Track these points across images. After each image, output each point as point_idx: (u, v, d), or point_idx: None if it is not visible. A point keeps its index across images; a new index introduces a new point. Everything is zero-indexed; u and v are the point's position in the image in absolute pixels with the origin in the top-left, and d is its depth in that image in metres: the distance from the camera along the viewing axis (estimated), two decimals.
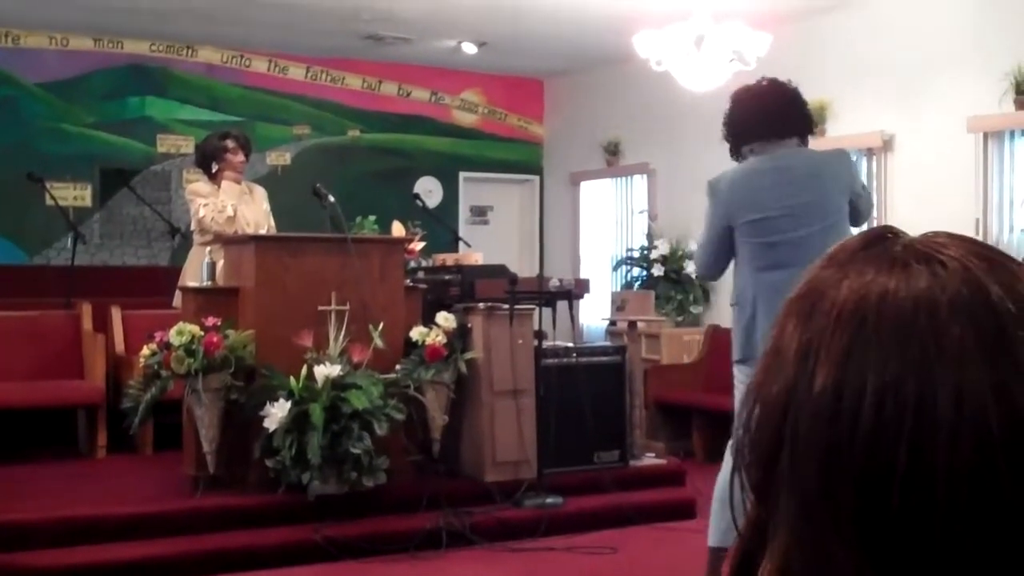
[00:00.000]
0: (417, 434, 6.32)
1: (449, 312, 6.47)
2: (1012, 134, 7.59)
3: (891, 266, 0.75)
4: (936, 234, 0.78)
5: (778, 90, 4.78)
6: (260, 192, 7.28)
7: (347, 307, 6.15)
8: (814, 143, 8.64)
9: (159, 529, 5.65)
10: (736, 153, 4.81)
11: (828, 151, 4.86)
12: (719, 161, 9.64)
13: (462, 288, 6.74)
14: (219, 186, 7.01)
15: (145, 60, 10.19)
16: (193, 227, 7.18)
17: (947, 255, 0.75)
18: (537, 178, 11.83)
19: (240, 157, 7.07)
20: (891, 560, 0.70)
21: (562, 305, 6.96)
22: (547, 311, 6.75)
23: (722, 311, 9.53)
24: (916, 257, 0.75)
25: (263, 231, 6.95)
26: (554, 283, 6.72)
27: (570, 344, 7.20)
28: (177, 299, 6.82)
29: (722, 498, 4.73)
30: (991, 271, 0.74)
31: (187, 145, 10.19)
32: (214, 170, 7.05)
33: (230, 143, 7.05)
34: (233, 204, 6.92)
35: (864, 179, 8.36)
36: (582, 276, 9.45)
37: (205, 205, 6.88)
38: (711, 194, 4.77)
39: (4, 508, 5.57)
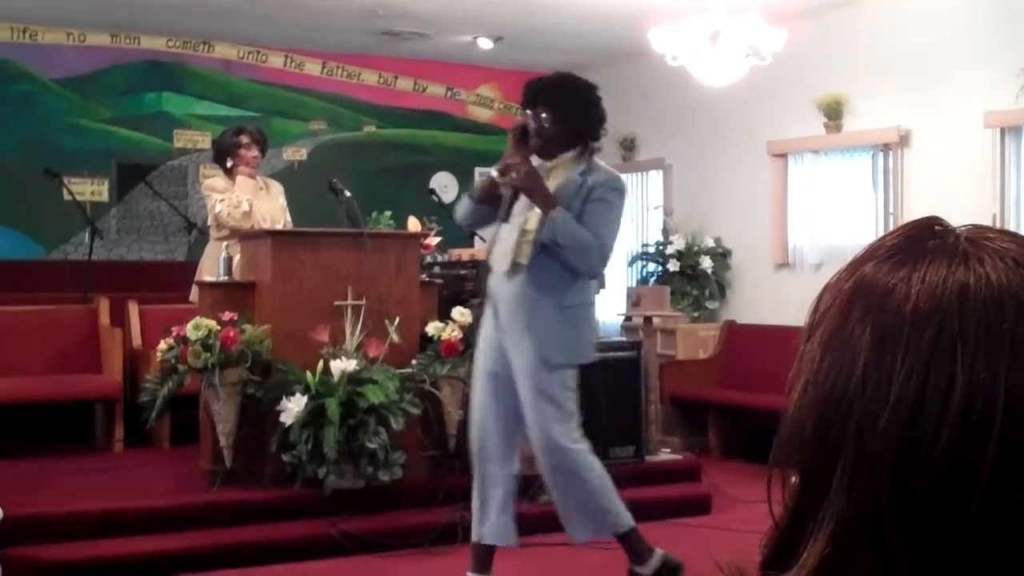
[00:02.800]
0: (433, 429, 6.33)
1: (465, 307, 6.48)
2: None
3: (963, 260, 0.75)
4: (978, 227, 0.78)
5: None
6: (276, 187, 7.31)
7: (363, 302, 6.16)
8: (837, 138, 8.63)
9: (176, 523, 5.68)
10: (583, 147, 4.80)
11: None
12: (735, 156, 9.70)
13: (478, 283, 6.74)
14: (235, 181, 7.04)
15: (162, 56, 10.22)
16: (209, 222, 7.21)
17: (1010, 248, 0.75)
18: None
19: (254, 152, 7.09)
20: (954, 560, 0.70)
21: None
22: None
23: (739, 307, 9.53)
24: (983, 251, 0.75)
25: (279, 226, 6.97)
26: None
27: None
28: (194, 294, 6.84)
29: (504, 497, 4.85)
30: None
31: (204, 140, 10.22)
32: (229, 165, 7.09)
33: (244, 138, 7.08)
34: (248, 199, 6.95)
35: (870, 175, 8.36)
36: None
37: (221, 200, 6.92)
38: (623, 194, 4.92)
39: (22, 502, 5.60)
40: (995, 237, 0.76)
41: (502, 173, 4.65)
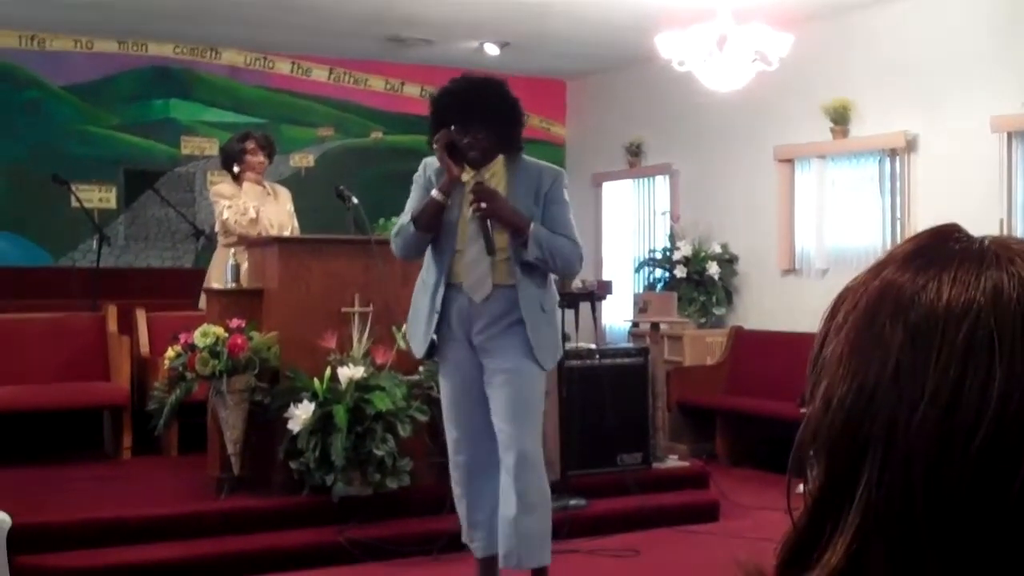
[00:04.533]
0: (440, 436, 6.32)
1: None
2: None
3: (993, 260, 0.76)
4: (999, 236, 0.80)
5: None
6: (284, 193, 7.33)
7: (370, 309, 6.17)
8: (844, 143, 8.62)
9: (184, 530, 5.68)
10: (516, 150, 4.80)
11: None
12: (742, 162, 9.70)
13: None
14: (242, 187, 7.06)
15: (169, 62, 10.24)
16: (217, 228, 7.23)
17: None
18: None
19: (260, 158, 7.11)
20: (985, 553, 0.70)
21: (585, 306, 6.96)
22: (570, 312, 6.74)
23: (746, 313, 9.53)
24: (1012, 253, 0.76)
25: (287, 232, 6.98)
26: (577, 284, 6.72)
27: (593, 346, 7.20)
28: (202, 301, 6.85)
29: (495, 507, 4.80)
30: None
31: (211, 147, 10.24)
32: (236, 171, 7.12)
33: (250, 144, 7.11)
34: (255, 206, 6.97)
35: (877, 180, 8.35)
36: (604, 277, 9.45)
37: (228, 207, 6.94)
38: (566, 181, 4.95)
39: (30, 509, 5.60)
40: (1018, 243, 0.78)
41: (473, 203, 4.58)
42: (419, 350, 4.88)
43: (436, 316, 4.72)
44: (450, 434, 4.88)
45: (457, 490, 4.91)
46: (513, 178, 4.74)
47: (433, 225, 4.69)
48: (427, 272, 4.82)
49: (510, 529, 4.72)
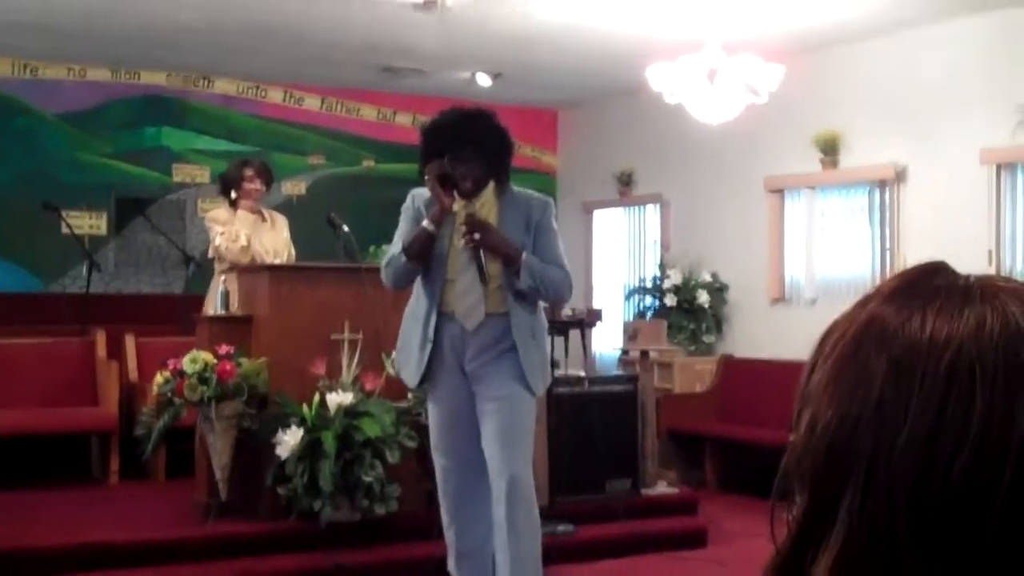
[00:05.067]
0: (429, 462, 6.31)
1: None
2: None
3: (978, 295, 0.77)
4: (985, 275, 0.81)
5: None
6: (281, 220, 7.31)
7: (360, 336, 6.17)
8: (833, 174, 8.65)
9: (171, 555, 5.67)
10: (503, 179, 4.82)
11: None
12: (732, 192, 9.73)
13: None
14: (236, 214, 7.07)
15: (162, 91, 10.27)
16: (211, 254, 7.22)
17: (1021, 291, 0.78)
18: None
19: (256, 185, 7.13)
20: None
21: (575, 334, 6.97)
22: (560, 339, 6.75)
23: (735, 341, 9.54)
24: (996, 291, 0.78)
25: (281, 259, 6.98)
26: (567, 312, 6.73)
27: (582, 373, 7.21)
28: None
29: (486, 534, 4.79)
30: None
31: (202, 175, 10.27)
32: (234, 197, 7.13)
33: (248, 171, 7.13)
34: (247, 234, 6.95)
35: (866, 211, 8.38)
36: (595, 305, 9.46)
37: (221, 234, 6.95)
38: (554, 209, 5.01)
39: (18, 534, 5.59)
40: (1004, 282, 0.79)
41: (466, 233, 4.60)
42: (412, 380, 4.87)
43: (429, 345, 4.72)
44: (438, 462, 4.85)
45: (446, 519, 4.89)
46: (503, 208, 4.77)
47: (424, 255, 4.70)
48: (417, 302, 4.82)
49: (502, 557, 4.71)
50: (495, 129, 4.81)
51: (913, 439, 0.73)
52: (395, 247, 4.81)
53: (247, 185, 7.09)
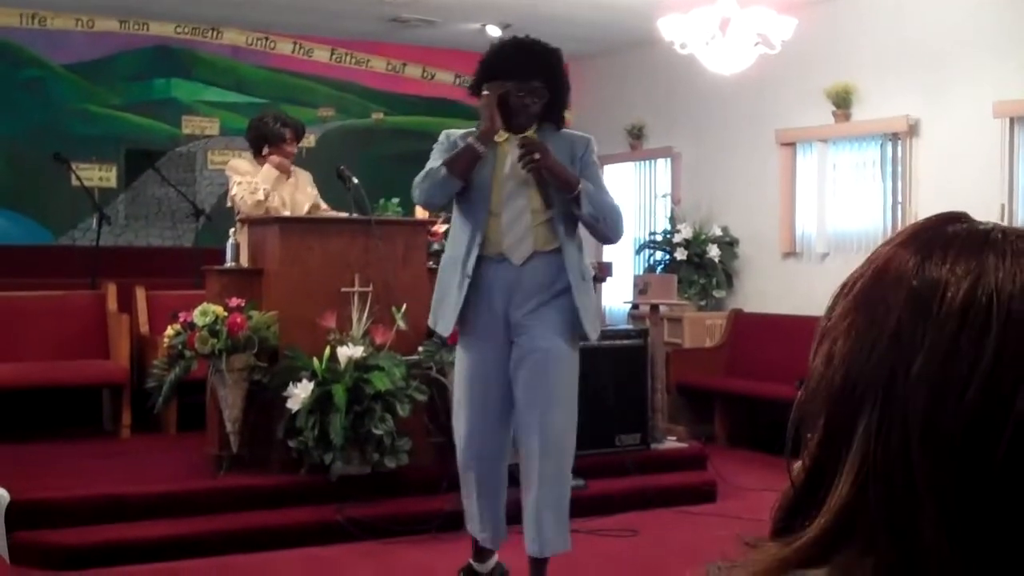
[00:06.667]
0: (439, 416, 6.34)
1: None
2: None
3: (999, 236, 0.80)
4: (999, 224, 0.83)
5: None
6: (304, 176, 7.05)
7: (370, 289, 6.17)
8: (845, 127, 8.61)
9: (182, 508, 5.70)
10: (558, 125, 4.62)
11: None
12: (743, 145, 9.68)
13: None
14: (263, 167, 6.83)
15: (170, 42, 10.22)
16: (228, 203, 7.01)
17: None
18: None
19: (293, 149, 6.90)
20: (978, 502, 0.73)
21: None
22: None
23: (746, 296, 9.53)
24: (1014, 234, 0.80)
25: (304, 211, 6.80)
26: None
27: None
28: None
29: (503, 495, 4.69)
30: None
31: (212, 127, 10.24)
32: (265, 152, 6.86)
33: (288, 133, 6.85)
34: (266, 188, 6.75)
35: (878, 164, 8.33)
36: (605, 259, 9.44)
37: (239, 184, 6.74)
38: None
39: (29, 486, 5.62)
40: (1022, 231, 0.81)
41: (524, 156, 4.40)
42: (447, 325, 4.55)
43: (467, 282, 4.43)
44: (466, 419, 4.55)
45: (470, 489, 4.66)
46: (548, 144, 4.52)
47: (466, 173, 4.43)
48: (454, 245, 4.56)
49: (540, 516, 4.53)
50: (564, 71, 4.63)
51: (927, 367, 0.75)
52: (432, 163, 4.53)
53: (286, 148, 6.83)
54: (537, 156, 4.40)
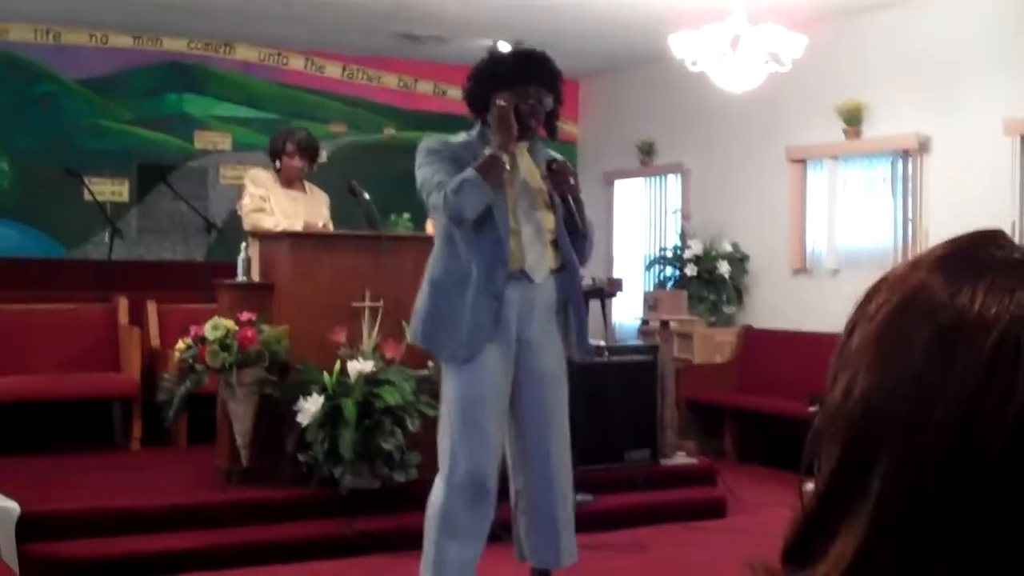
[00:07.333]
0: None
1: None
2: None
3: None
4: None
5: None
6: (321, 196, 7.14)
7: (380, 304, 6.18)
8: (856, 144, 8.59)
9: (192, 521, 5.71)
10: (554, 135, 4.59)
11: None
12: (754, 161, 9.69)
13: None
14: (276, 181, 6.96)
15: (183, 58, 10.27)
16: (239, 211, 7.09)
17: None
18: None
19: (296, 162, 6.96)
20: (993, 560, 0.71)
21: (595, 304, 6.96)
22: None
23: (756, 312, 9.53)
24: None
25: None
26: (587, 282, 6.72)
27: (602, 343, 7.21)
28: None
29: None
30: None
31: (224, 142, 10.28)
32: (277, 165, 7.03)
33: (289, 147, 6.96)
34: (273, 205, 6.82)
35: (889, 181, 8.32)
36: (615, 275, 9.46)
37: (252, 195, 6.86)
38: None
39: (39, 498, 5.63)
40: None
41: (558, 179, 4.36)
42: (466, 348, 4.27)
43: (496, 305, 4.24)
44: (469, 450, 4.32)
45: (442, 535, 4.42)
46: (535, 157, 4.52)
47: (496, 185, 4.24)
48: (456, 263, 4.32)
49: (556, 531, 4.54)
50: (561, 77, 4.56)
51: (949, 415, 0.72)
52: (443, 179, 4.25)
53: (287, 160, 6.95)
54: (572, 180, 4.40)
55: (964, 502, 0.71)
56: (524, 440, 4.50)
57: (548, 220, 4.42)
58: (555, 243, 4.45)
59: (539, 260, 4.37)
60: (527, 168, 4.47)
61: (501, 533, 4.92)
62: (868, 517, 0.74)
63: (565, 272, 4.46)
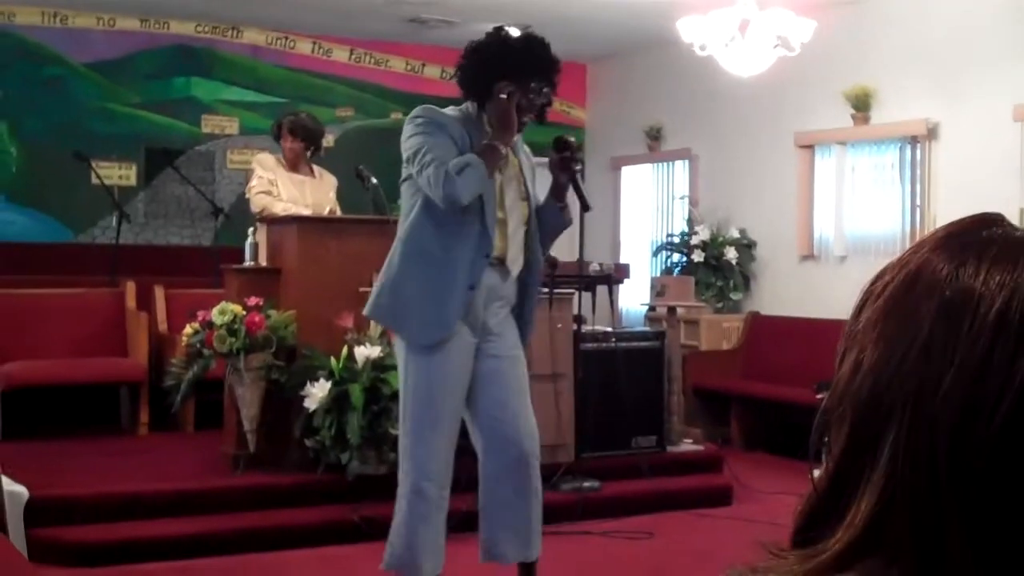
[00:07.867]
0: None
1: None
2: None
3: None
4: None
5: None
6: (329, 180, 7.15)
7: None
8: (864, 130, 8.56)
9: (199, 506, 5.72)
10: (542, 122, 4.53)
11: None
12: (761, 147, 9.67)
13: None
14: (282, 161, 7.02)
15: (191, 41, 10.26)
16: (247, 195, 7.11)
17: None
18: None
19: (290, 143, 6.99)
20: (1005, 522, 0.72)
21: (602, 290, 6.96)
22: (587, 295, 6.75)
23: (763, 298, 9.52)
24: None
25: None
26: (594, 268, 6.73)
27: (609, 329, 7.21)
28: None
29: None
30: None
31: (231, 126, 10.27)
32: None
33: (283, 130, 7.00)
34: (279, 189, 6.84)
35: (897, 167, 8.30)
36: (622, 261, 9.45)
37: (260, 178, 6.89)
38: None
39: (47, 483, 5.64)
40: None
41: (567, 160, 4.33)
42: (434, 332, 4.16)
43: (472, 293, 4.16)
44: (426, 439, 4.24)
45: (411, 519, 4.39)
46: (515, 149, 4.44)
47: (492, 174, 4.19)
48: (433, 246, 4.19)
49: (533, 525, 4.46)
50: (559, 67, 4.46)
51: (958, 382, 0.74)
52: (441, 155, 4.16)
53: (284, 144, 7.00)
54: (578, 167, 4.39)
55: (975, 464, 0.73)
56: (494, 426, 4.36)
57: (525, 210, 4.36)
58: (527, 233, 4.38)
59: (518, 252, 4.31)
60: (512, 159, 4.42)
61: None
62: (879, 485, 0.76)
63: (532, 263, 4.40)
